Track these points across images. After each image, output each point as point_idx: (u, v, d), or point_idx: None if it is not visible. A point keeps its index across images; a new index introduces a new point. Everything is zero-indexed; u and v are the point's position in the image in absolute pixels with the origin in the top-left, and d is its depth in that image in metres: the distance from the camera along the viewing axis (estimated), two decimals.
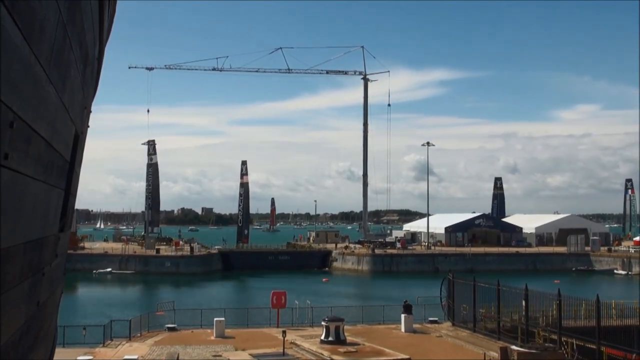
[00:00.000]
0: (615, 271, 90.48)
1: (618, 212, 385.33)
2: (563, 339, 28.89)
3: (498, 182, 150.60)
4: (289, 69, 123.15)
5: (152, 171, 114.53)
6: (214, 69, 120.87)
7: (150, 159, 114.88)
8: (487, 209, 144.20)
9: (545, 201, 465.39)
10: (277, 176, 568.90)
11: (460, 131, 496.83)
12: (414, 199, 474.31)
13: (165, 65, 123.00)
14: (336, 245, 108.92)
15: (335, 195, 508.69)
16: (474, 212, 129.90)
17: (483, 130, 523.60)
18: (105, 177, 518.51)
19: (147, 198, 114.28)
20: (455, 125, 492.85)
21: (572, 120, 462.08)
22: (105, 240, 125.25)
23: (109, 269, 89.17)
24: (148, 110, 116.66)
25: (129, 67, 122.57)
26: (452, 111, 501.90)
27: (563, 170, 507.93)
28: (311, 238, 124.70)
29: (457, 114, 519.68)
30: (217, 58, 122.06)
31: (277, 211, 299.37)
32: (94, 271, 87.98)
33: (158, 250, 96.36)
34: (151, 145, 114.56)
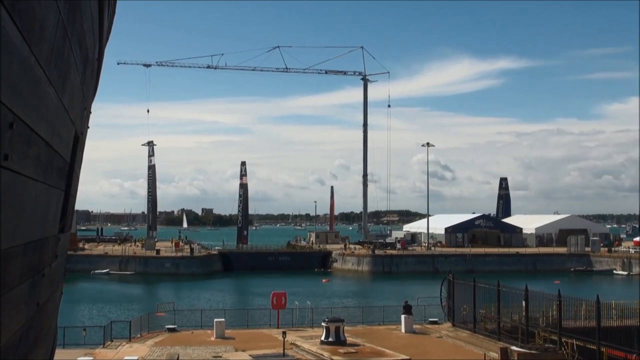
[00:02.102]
0: (614, 271, 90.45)
1: (618, 213, 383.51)
2: (563, 339, 28.88)
3: (503, 183, 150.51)
4: (286, 68, 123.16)
5: (151, 173, 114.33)
6: (208, 67, 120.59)
7: (149, 161, 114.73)
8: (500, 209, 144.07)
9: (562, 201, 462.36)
10: (278, 176, 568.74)
11: (489, 129, 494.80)
12: (423, 199, 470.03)
13: (157, 62, 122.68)
14: (345, 245, 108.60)
15: (336, 195, 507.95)
16: (474, 213, 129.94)
17: (514, 128, 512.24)
18: (103, 177, 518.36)
19: (147, 201, 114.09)
20: (482, 124, 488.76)
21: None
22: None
23: (106, 270, 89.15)
24: (148, 111, 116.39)
25: (118, 63, 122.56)
26: (491, 108, 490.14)
27: (578, 169, 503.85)
28: (311, 239, 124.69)
29: (492, 111, 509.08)
30: (211, 56, 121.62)
31: (277, 212, 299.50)
32: (92, 272, 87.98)
33: (158, 251, 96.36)
34: (151, 147, 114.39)
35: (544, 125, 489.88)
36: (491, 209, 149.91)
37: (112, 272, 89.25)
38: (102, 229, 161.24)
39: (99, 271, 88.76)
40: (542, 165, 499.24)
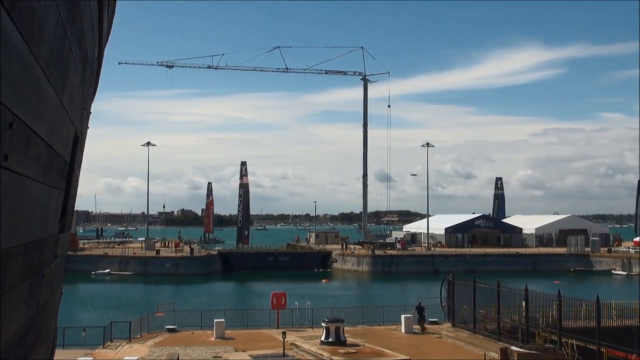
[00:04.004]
0: (613, 271, 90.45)
1: (618, 213, 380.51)
2: (563, 339, 28.88)
3: (499, 182, 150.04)
4: (287, 68, 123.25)
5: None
6: (209, 67, 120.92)
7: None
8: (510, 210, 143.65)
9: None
10: (277, 175, 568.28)
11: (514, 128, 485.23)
12: (435, 199, 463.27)
13: (157, 62, 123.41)
14: (344, 245, 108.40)
15: (336, 196, 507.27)
16: (473, 213, 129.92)
17: (543, 126, 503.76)
18: (102, 177, 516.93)
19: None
20: (509, 122, 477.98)
21: None
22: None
23: (107, 270, 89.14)
24: (169, 114, 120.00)
25: (119, 63, 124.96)
26: (532, 102, 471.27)
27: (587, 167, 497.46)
28: (311, 239, 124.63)
29: (529, 107, 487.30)
30: (212, 56, 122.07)
31: (277, 212, 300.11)
32: (92, 272, 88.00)
33: (158, 252, 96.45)
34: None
35: (580, 123, 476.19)
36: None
37: (112, 272, 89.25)
38: (102, 229, 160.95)
39: (100, 271, 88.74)
40: (560, 164, 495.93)
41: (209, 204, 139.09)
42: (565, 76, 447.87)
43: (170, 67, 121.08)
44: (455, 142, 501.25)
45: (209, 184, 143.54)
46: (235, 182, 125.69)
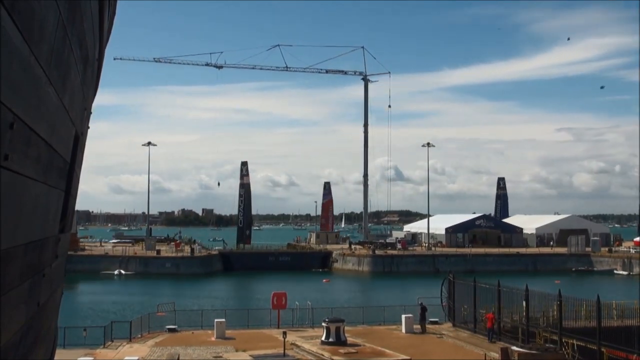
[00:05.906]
0: (613, 271, 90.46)
1: (618, 213, 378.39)
2: (564, 339, 28.88)
3: (501, 183, 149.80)
4: (286, 67, 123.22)
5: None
6: (207, 65, 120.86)
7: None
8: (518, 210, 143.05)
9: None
10: (278, 176, 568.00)
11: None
12: (438, 199, 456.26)
13: (154, 59, 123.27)
14: (350, 245, 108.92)
15: (343, 195, 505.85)
16: (474, 213, 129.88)
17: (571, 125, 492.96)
18: (101, 176, 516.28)
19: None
20: (532, 121, 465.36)
21: None
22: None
23: (116, 271, 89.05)
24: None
25: (114, 59, 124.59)
26: (568, 98, 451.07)
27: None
28: (311, 239, 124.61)
29: (562, 103, 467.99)
30: (210, 53, 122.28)
31: (277, 212, 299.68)
32: (102, 272, 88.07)
33: (158, 252, 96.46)
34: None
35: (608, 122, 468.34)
36: (517, 208, 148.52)
37: (111, 272, 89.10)
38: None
39: (109, 272, 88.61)
40: (574, 164, 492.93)
41: (327, 202, 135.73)
42: (631, 64, 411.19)
43: (158, 61, 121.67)
44: (475, 139, 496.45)
45: (327, 183, 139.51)
46: (236, 182, 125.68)
